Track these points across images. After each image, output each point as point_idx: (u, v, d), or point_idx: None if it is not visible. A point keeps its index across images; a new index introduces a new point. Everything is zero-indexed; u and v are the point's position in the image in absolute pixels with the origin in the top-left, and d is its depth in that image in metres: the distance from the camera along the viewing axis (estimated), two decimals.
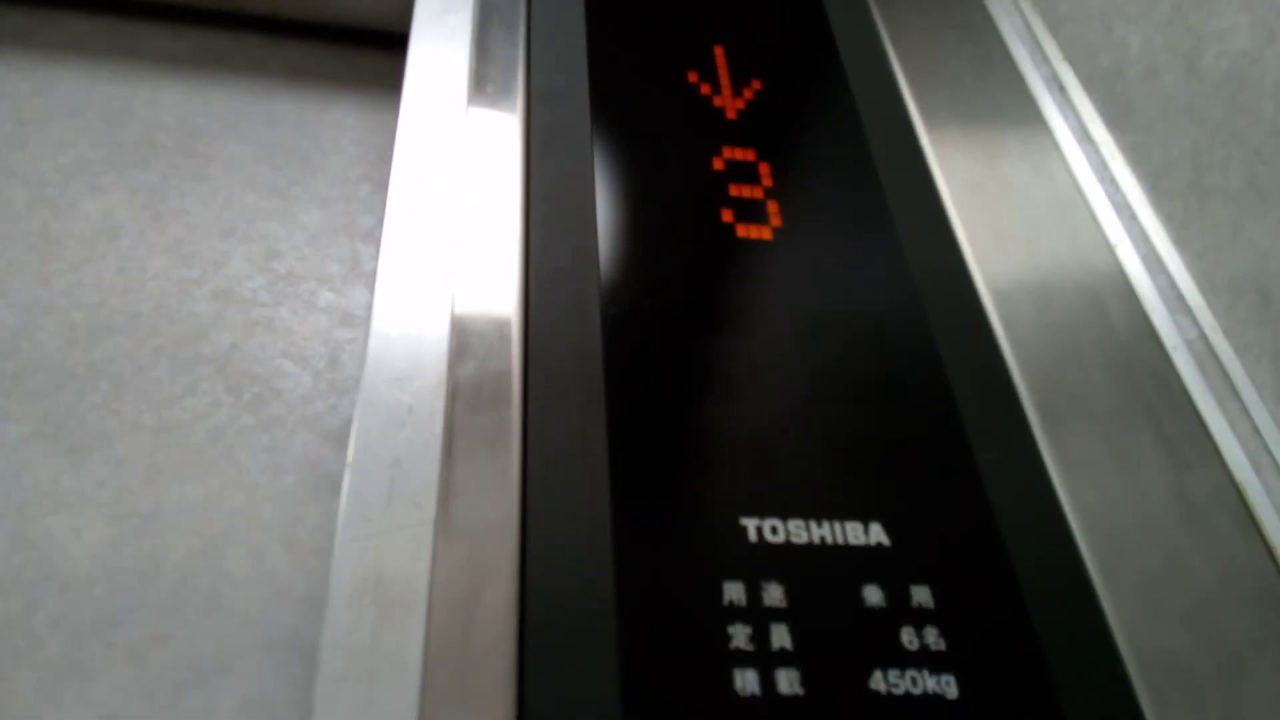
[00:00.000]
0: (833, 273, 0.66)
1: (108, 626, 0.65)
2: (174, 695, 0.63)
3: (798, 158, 0.71)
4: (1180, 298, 0.67)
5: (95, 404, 0.74)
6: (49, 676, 0.63)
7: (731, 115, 0.74)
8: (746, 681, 0.46)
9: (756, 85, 0.76)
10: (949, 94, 0.80)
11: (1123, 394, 0.63)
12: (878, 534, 0.53)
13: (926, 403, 0.60)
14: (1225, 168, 0.65)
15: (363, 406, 0.53)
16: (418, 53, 0.72)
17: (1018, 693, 0.49)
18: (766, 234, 0.67)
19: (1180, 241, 0.68)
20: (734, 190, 0.68)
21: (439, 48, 0.73)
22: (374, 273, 0.78)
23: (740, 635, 0.48)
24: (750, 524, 0.52)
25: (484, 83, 0.72)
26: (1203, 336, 0.65)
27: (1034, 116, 0.79)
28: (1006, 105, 0.80)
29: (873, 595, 0.50)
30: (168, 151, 0.90)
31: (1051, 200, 0.73)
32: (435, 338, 0.57)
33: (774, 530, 0.52)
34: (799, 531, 0.52)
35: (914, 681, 0.48)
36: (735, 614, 0.49)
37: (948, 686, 0.48)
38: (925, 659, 0.49)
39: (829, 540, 0.52)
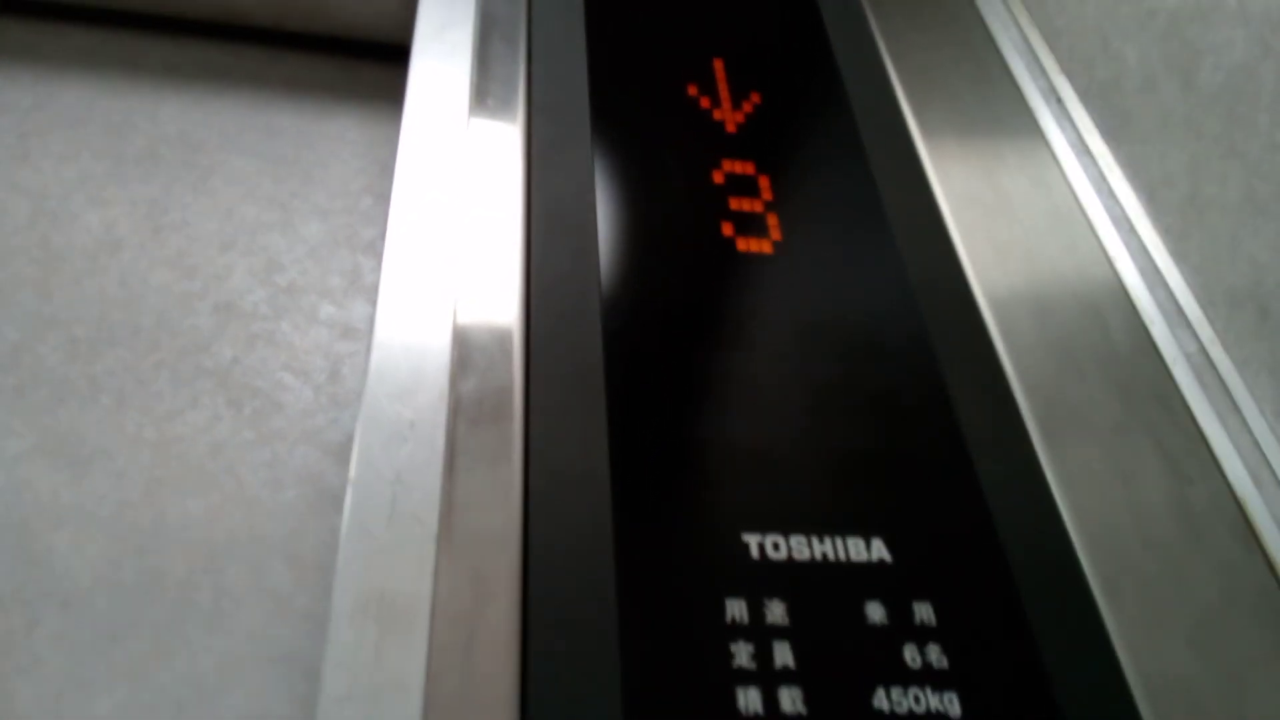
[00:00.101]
0: (832, 286, 0.66)
1: (109, 643, 0.65)
2: (175, 713, 0.63)
3: (797, 171, 0.72)
4: (1179, 311, 0.67)
5: (96, 418, 0.74)
6: (49, 693, 0.63)
7: (731, 128, 0.74)
8: (749, 700, 0.46)
9: (756, 98, 0.76)
10: (947, 106, 0.80)
11: (1122, 407, 0.63)
12: (879, 550, 0.53)
13: (927, 416, 0.60)
14: (1223, 181, 0.65)
15: (364, 421, 0.53)
16: (419, 66, 0.72)
17: (1020, 710, 0.49)
18: (766, 247, 0.67)
19: (1179, 254, 0.68)
20: (734, 203, 0.69)
21: (440, 62, 0.73)
22: (375, 285, 0.78)
23: (743, 653, 0.48)
24: (752, 540, 0.52)
25: (485, 96, 0.72)
26: (1202, 350, 0.65)
27: (1031, 128, 0.79)
28: (1004, 117, 0.81)
29: (875, 612, 0.50)
30: (169, 164, 0.90)
31: (1050, 212, 0.73)
32: (437, 352, 0.57)
33: (776, 546, 0.52)
34: (801, 547, 0.52)
35: (917, 700, 0.48)
36: (737, 631, 0.49)
37: (950, 705, 0.48)
38: (928, 677, 0.49)
39: (831, 556, 0.52)
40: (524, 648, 0.47)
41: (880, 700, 0.47)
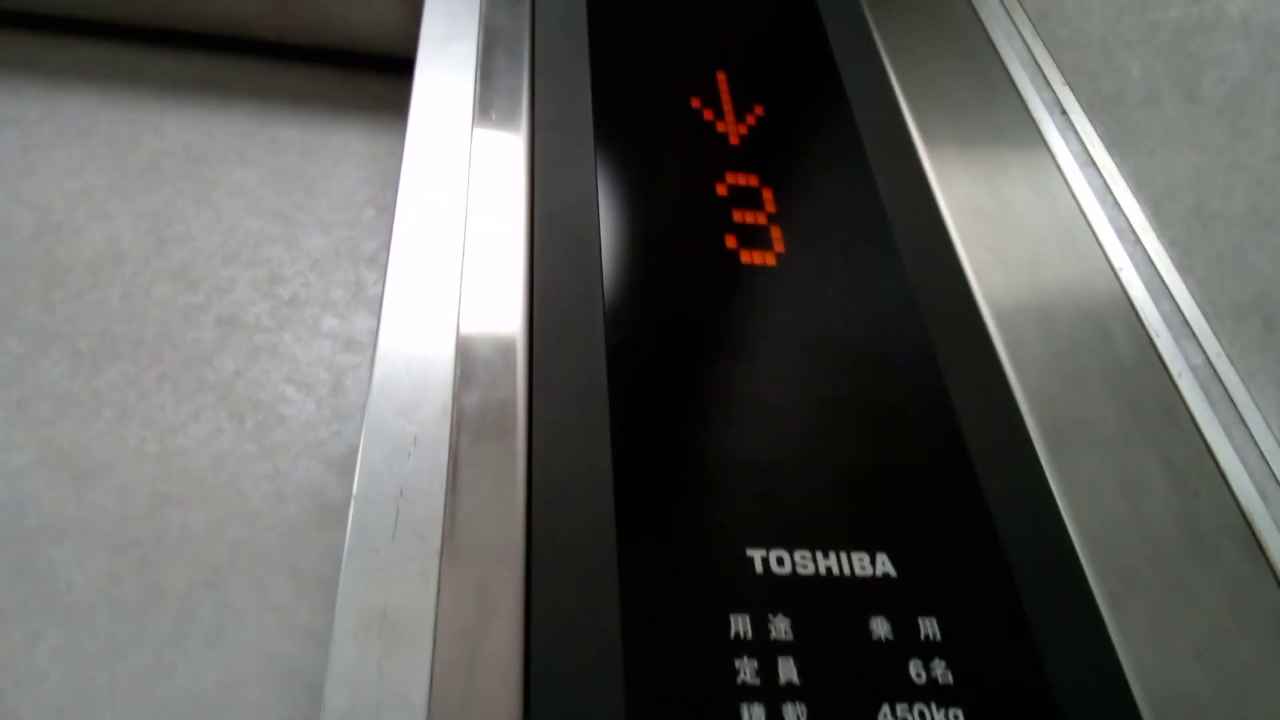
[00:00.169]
0: (836, 299, 0.66)
1: (110, 658, 0.65)
2: None
3: (801, 183, 0.71)
4: (1185, 323, 0.67)
5: (99, 431, 0.74)
6: (51, 709, 0.63)
7: (734, 141, 0.73)
8: (754, 716, 0.46)
9: (759, 111, 0.76)
10: (951, 117, 0.80)
11: (1128, 420, 0.63)
12: (884, 564, 0.53)
13: (931, 430, 0.60)
14: (1228, 194, 0.65)
15: (368, 436, 0.53)
16: (423, 79, 0.72)
17: None
18: (770, 260, 0.66)
19: (1184, 267, 0.68)
20: (737, 216, 0.68)
21: (444, 74, 0.73)
22: (377, 297, 0.78)
23: (747, 669, 0.47)
24: (756, 555, 0.52)
25: (488, 108, 0.72)
26: (1208, 363, 0.65)
27: (1035, 140, 0.79)
28: (1008, 128, 0.80)
29: (880, 627, 0.50)
30: (173, 177, 0.91)
31: (1054, 224, 0.73)
32: (440, 366, 0.56)
33: (780, 561, 0.52)
34: (805, 563, 0.52)
35: (922, 715, 0.47)
36: (742, 647, 0.48)
37: None
38: (933, 692, 0.48)
39: (835, 571, 0.52)
40: (527, 665, 0.46)
41: (885, 716, 0.47)
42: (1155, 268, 0.69)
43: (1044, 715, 0.49)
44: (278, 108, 0.99)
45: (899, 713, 0.47)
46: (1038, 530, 0.56)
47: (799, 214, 0.69)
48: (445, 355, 0.57)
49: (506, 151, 0.69)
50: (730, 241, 0.67)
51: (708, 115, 0.75)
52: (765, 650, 0.48)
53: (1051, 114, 0.80)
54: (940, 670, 0.49)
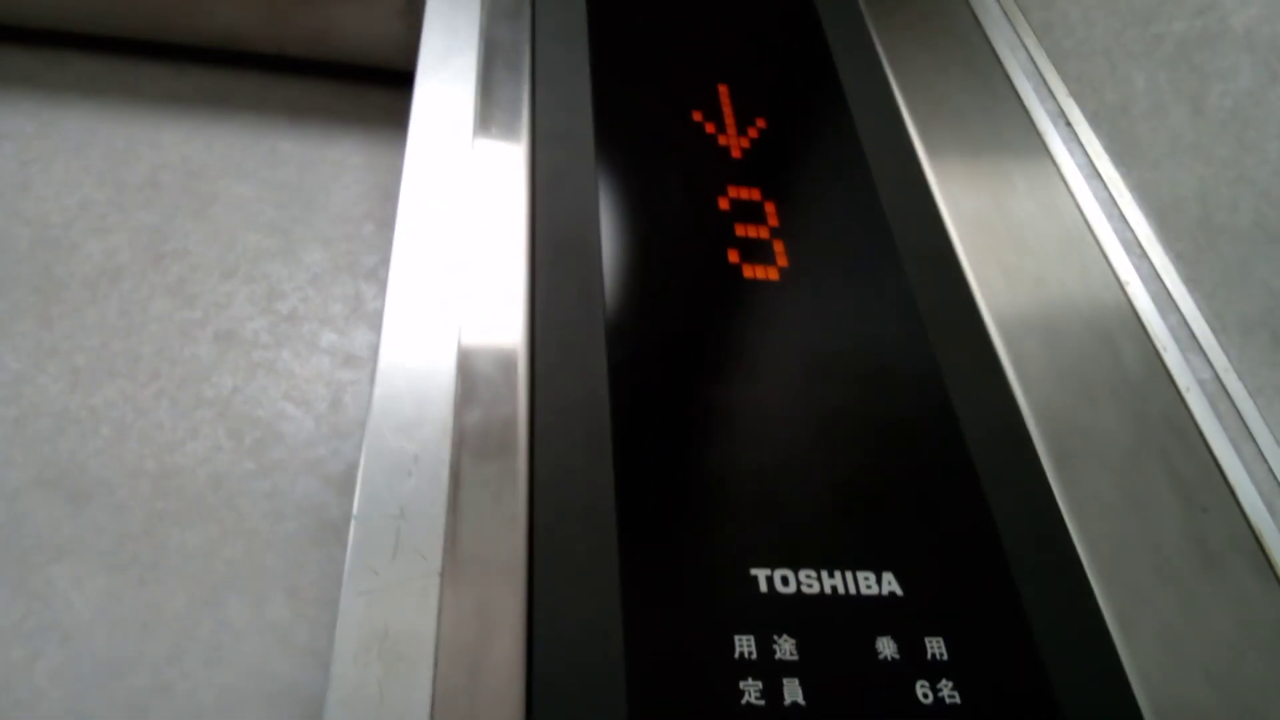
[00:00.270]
0: (840, 314, 0.65)
1: (108, 678, 0.64)
2: None
3: (803, 197, 0.71)
4: (1192, 337, 0.66)
5: (97, 449, 0.74)
6: None
7: (736, 154, 0.73)
8: None
9: (761, 124, 0.76)
10: (954, 129, 0.80)
11: (1136, 435, 0.62)
12: (890, 583, 0.52)
13: (937, 446, 0.59)
14: (1234, 207, 0.64)
15: (368, 456, 0.52)
16: (423, 92, 0.72)
17: None
18: (773, 274, 0.66)
19: (1190, 280, 0.68)
20: (740, 230, 0.68)
21: (444, 87, 0.72)
22: (376, 312, 0.78)
23: (752, 690, 0.47)
24: (760, 574, 0.51)
25: (489, 123, 0.71)
26: (1216, 377, 0.64)
27: (1040, 152, 0.79)
28: (1012, 140, 0.80)
29: (886, 647, 0.50)
30: (171, 191, 0.90)
31: (1060, 237, 0.73)
32: (441, 384, 0.56)
33: (784, 581, 0.51)
34: (810, 582, 0.51)
35: None
36: (747, 668, 0.48)
37: None
38: (940, 713, 0.48)
39: (840, 591, 0.51)
40: (529, 685, 0.46)
41: None
42: (1162, 281, 0.69)
43: None
44: (276, 121, 0.98)
45: None
46: (1044, 547, 0.56)
47: (802, 228, 0.69)
48: (446, 374, 0.56)
49: (507, 165, 0.69)
50: (732, 256, 0.66)
51: (709, 128, 0.75)
52: (770, 671, 0.48)
53: (1056, 125, 0.80)
54: (947, 690, 0.49)
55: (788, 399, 0.60)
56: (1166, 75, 0.71)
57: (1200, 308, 0.67)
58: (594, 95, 0.74)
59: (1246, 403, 0.63)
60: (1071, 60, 0.81)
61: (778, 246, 0.68)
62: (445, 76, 0.73)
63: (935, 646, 0.50)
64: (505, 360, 0.58)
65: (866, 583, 0.52)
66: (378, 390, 0.55)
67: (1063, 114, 0.81)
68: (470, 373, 0.57)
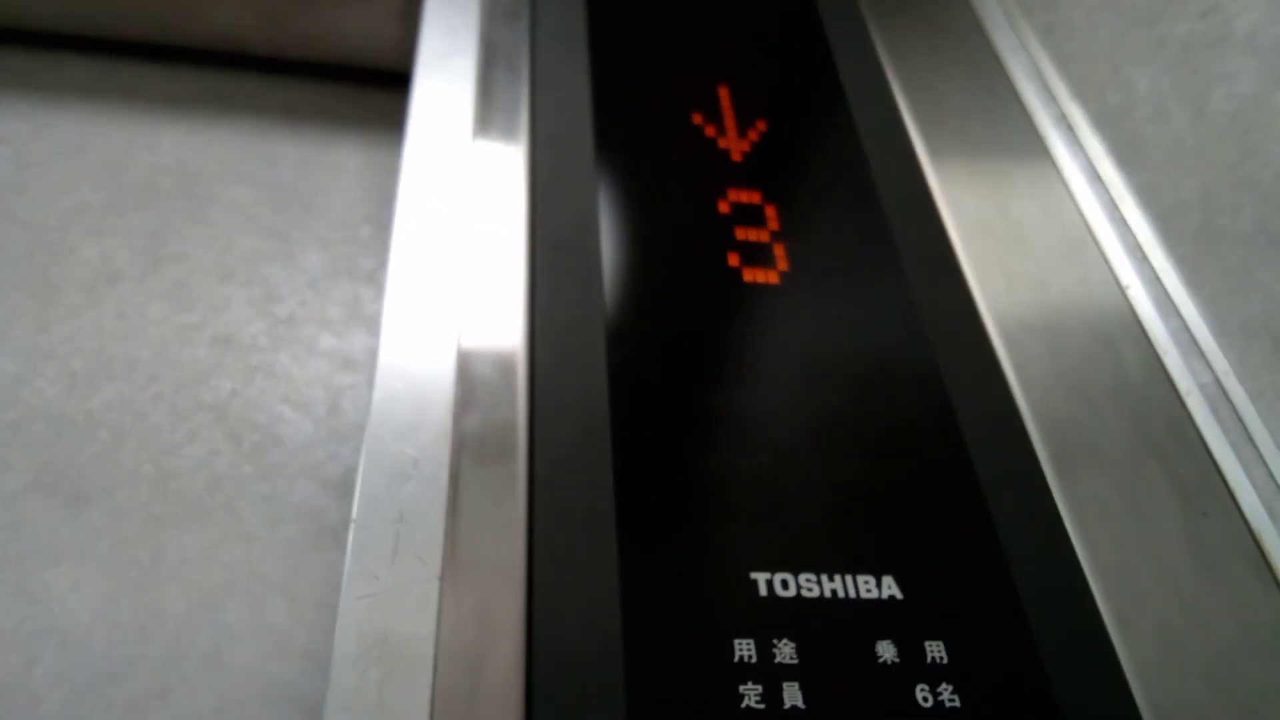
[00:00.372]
0: (841, 317, 0.65)
1: (107, 682, 0.64)
2: None
3: (804, 200, 0.71)
4: (1193, 341, 0.66)
5: (95, 453, 0.73)
6: None
7: (737, 157, 0.73)
8: None
9: (762, 126, 0.75)
10: (956, 132, 0.80)
11: (1136, 439, 0.62)
12: (890, 587, 0.52)
13: (938, 450, 0.59)
14: (1236, 211, 0.64)
15: (367, 460, 0.52)
16: (421, 94, 0.71)
17: None
18: (773, 278, 0.66)
19: (1192, 284, 0.67)
20: (740, 233, 0.68)
21: (443, 89, 0.72)
22: (375, 316, 0.78)
23: (751, 695, 0.47)
24: (760, 578, 0.51)
25: (488, 125, 0.71)
26: (1217, 381, 0.64)
27: (1042, 155, 0.79)
28: (1014, 143, 0.80)
29: (886, 651, 0.50)
30: (168, 194, 0.90)
31: (1061, 241, 0.73)
32: (440, 388, 0.56)
33: (784, 584, 0.51)
34: (810, 585, 0.51)
35: None
36: (746, 672, 0.48)
37: None
38: (940, 716, 0.48)
39: (841, 594, 0.51)
40: (529, 691, 0.46)
41: None
42: (1163, 284, 0.69)
43: None
44: (273, 123, 0.98)
45: None
46: (1045, 551, 0.56)
47: (802, 231, 0.69)
48: (445, 377, 0.56)
49: (506, 168, 0.69)
50: (733, 259, 0.66)
51: (709, 131, 0.74)
52: (770, 675, 0.48)
53: (1058, 128, 0.80)
54: (947, 694, 0.48)
55: (788, 402, 0.60)
56: (1169, 78, 0.71)
57: (1201, 312, 0.67)
58: (593, 97, 0.74)
59: (1247, 407, 0.62)
60: (1074, 63, 0.81)
61: (778, 250, 0.68)
62: (444, 78, 0.73)
63: (935, 650, 0.50)
64: (505, 364, 0.58)
65: (866, 586, 0.52)
66: (377, 394, 0.55)
67: (1065, 117, 0.80)
68: (469, 376, 0.57)
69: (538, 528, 0.51)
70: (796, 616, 0.50)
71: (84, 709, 0.63)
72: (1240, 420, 0.62)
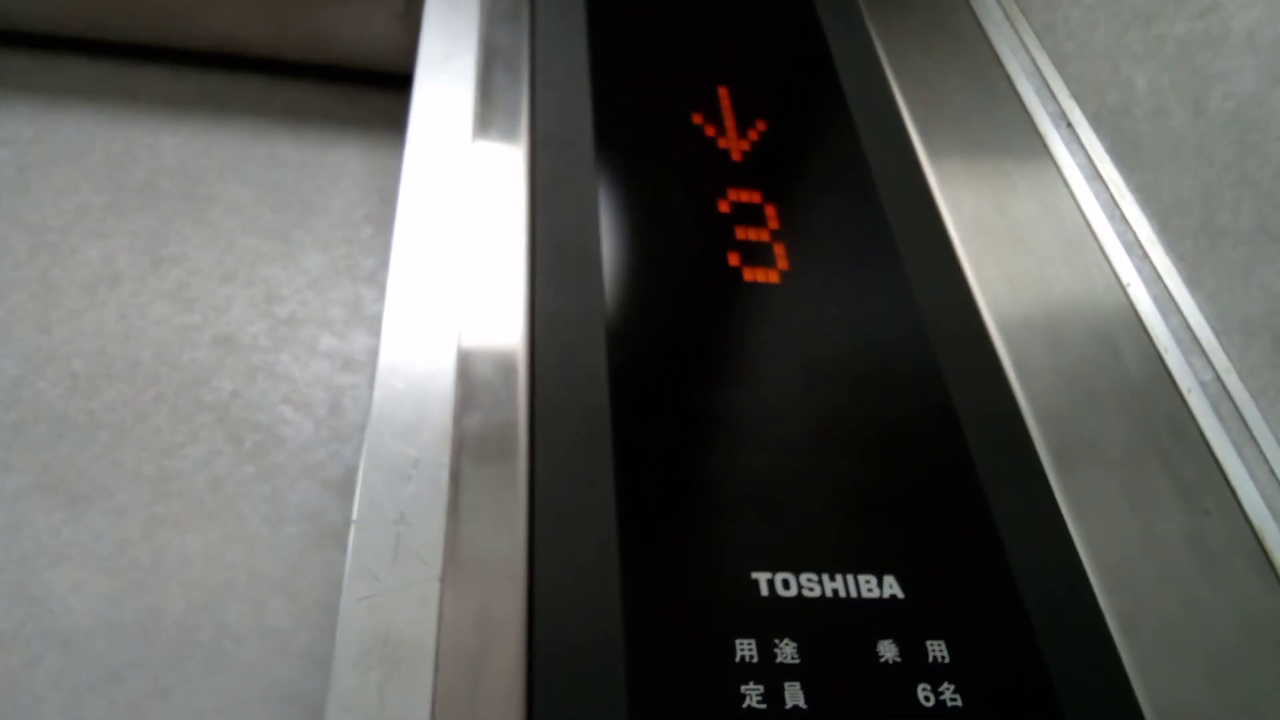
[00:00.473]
0: (841, 317, 0.65)
1: (108, 683, 0.64)
2: None
3: (804, 199, 0.71)
4: (1194, 339, 0.66)
5: (96, 454, 0.73)
6: None
7: (737, 157, 0.73)
8: None
9: (761, 126, 0.75)
10: (955, 131, 0.80)
11: (1137, 437, 0.62)
12: (891, 586, 0.52)
13: (938, 449, 0.59)
14: (1236, 209, 0.64)
15: (368, 460, 0.52)
16: (422, 95, 0.71)
17: None
18: (773, 277, 0.66)
19: (1192, 282, 0.67)
20: (740, 233, 0.68)
21: (443, 90, 0.72)
22: (376, 316, 0.78)
23: (753, 695, 0.47)
24: (762, 578, 0.51)
25: (488, 126, 0.71)
26: (1218, 379, 0.64)
27: (1041, 154, 0.79)
28: (1014, 141, 0.80)
29: (887, 650, 0.49)
30: (169, 195, 0.90)
31: (1061, 239, 0.73)
32: (440, 389, 0.56)
33: (786, 584, 0.51)
34: (811, 585, 0.51)
35: None
36: (748, 672, 0.48)
37: None
38: (942, 715, 0.48)
39: (842, 594, 0.51)
40: (530, 690, 0.46)
41: None
42: (1163, 283, 0.69)
43: None
44: (275, 124, 0.98)
45: None
46: (1046, 550, 0.55)
47: (802, 231, 0.69)
48: (446, 378, 0.56)
49: (506, 168, 0.69)
50: (733, 259, 0.66)
51: (709, 131, 0.74)
52: (771, 674, 0.48)
53: (1057, 127, 0.80)
54: (949, 693, 0.48)
55: (789, 402, 0.60)
56: (1168, 77, 0.71)
57: (1202, 309, 0.67)
58: (593, 98, 0.74)
59: (1248, 404, 0.62)
60: (1073, 62, 0.81)
61: (778, 249, 0.67)
62: (444, 79, 0.73)
63: (937, 649, 0.50)
64: (505, 364, 0.58)
65: (868, 586, 0.52)
66: (377, 394, 0.55)
67: (1064, 115, 0.80)
68: (470, 376, 0.57)
69: (538, 528, 0.51)
70: (798, 616, 0.50)
71: (85, 710, 0.63)
72: (1241, 418, 0.62)
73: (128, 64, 0.99)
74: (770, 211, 0.69)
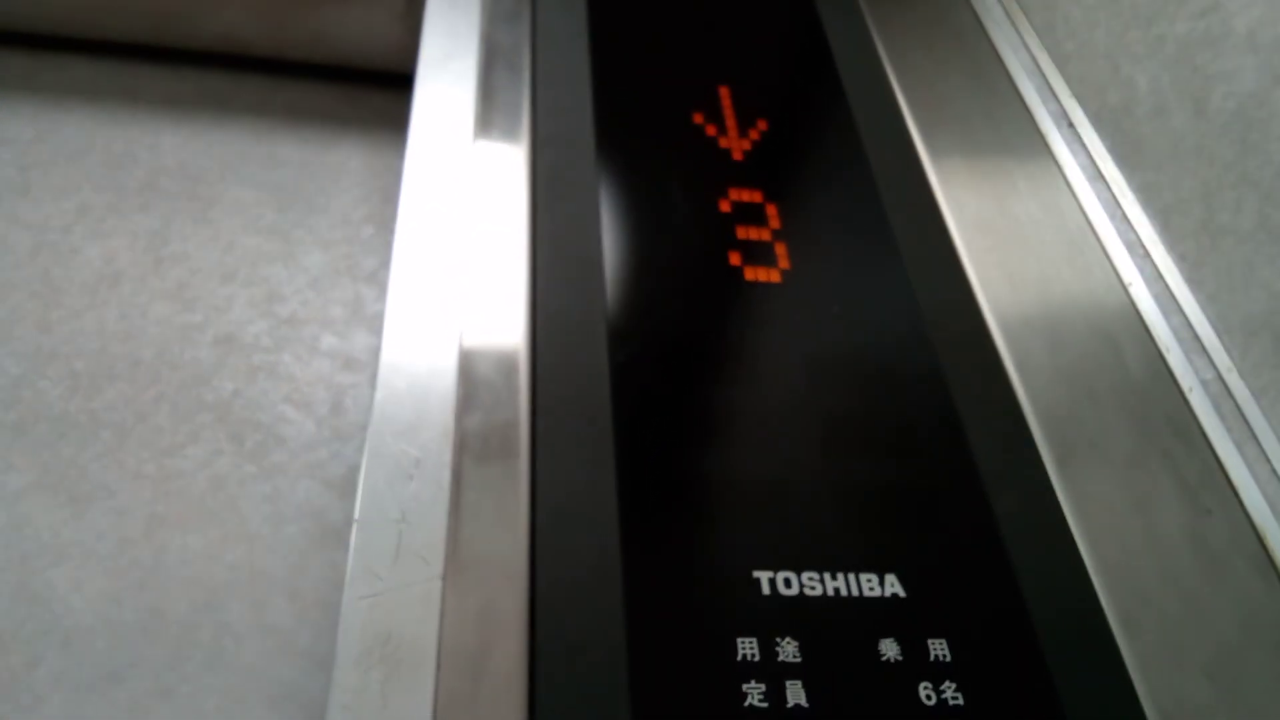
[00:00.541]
0: (843, 316, 0.65)
1: (109, 682, 0.64)
2: None
3: (805, 199, 0.71)
4: (1195, 338, 0.66)
5: (97, 453, 0.73)
6: None
7: (738, 156, 0.73)
8: None
9: (762, 125, 0.75)
10: (956, 130, 0.80)
11: (1138, 436, 0.62)
12: (893, 585, 0.52)
13: (940, 448, 0.59)
14: (1237, 208, 0.64)
15: (369, 459, 0.52)
16: (423, 95, 0.71)
17: None
18: (775, 276, 0.66)
19: (1194, 281, 0.67)
20: (741, 232, 0.68)
21: (444, 90, 0.72)
22: (377, 315, 0.78)
23: (754, 694, 0.47)
24: (763, 577, 0.51)
25: (489, 125, 0.71)
26: (1219, 378, 0.64)
27: (1043, 153, 0.79)
28: (1015, 141, 0.80)
29: (889, 649, 0.49)
30: (170, 195, 0.90)
31: (1062, 238, 0.73)
32: (442, 388, 0.56)
33: (787, 583, 0.51)
34: (813, 584, 0.51)
35: None
36: (749, 671, 0.48)
37: None
38: (943, 714, 0.48)
39: (843, 593, 0.51)
40: (532, 689, 0.46)
41: None
42: (1165, 282, 0.69)
43: None
44: (275, 124, 0.98)
45: None
46: (1048, 549, 0.55)
47: (803, 230, 0.69)
48: (447, 377, 0.56)
49: (507, 167, 0.69)
50: (734, 258, 0.66)
51: (710, 131, 0.74)
52: (773, 674, 0.48)
53: (1058, 127, 0.80)
54: (950, 692, 0.48)
55: (790, 401, 0.60)
56: (1169, 77, 0.71)
57: (1203, 309, 0.67)
58: (594, 98, 0.74)
59: (1250, 403, 0.62)
60: (1074, 61, 0.81)
61: (779, 249, 0.67)
62: (445, 79, 0.73)
63: (938, 648, 0.50)
64: (506, 363, 0.58)
65: (869, 585, 0.52)
66: (379, 393, 0.55)
67: (1065, 115, 0.80)
68: (471, 376, 0.57)
69: (540, 527, 0.51)
70: (799, 615, 0.50)
71: (86, 709, 0.63)
72: (1243, 417, 0.62)
73: (128, 64, 0.99)
74: (771, 211, 0.69)
